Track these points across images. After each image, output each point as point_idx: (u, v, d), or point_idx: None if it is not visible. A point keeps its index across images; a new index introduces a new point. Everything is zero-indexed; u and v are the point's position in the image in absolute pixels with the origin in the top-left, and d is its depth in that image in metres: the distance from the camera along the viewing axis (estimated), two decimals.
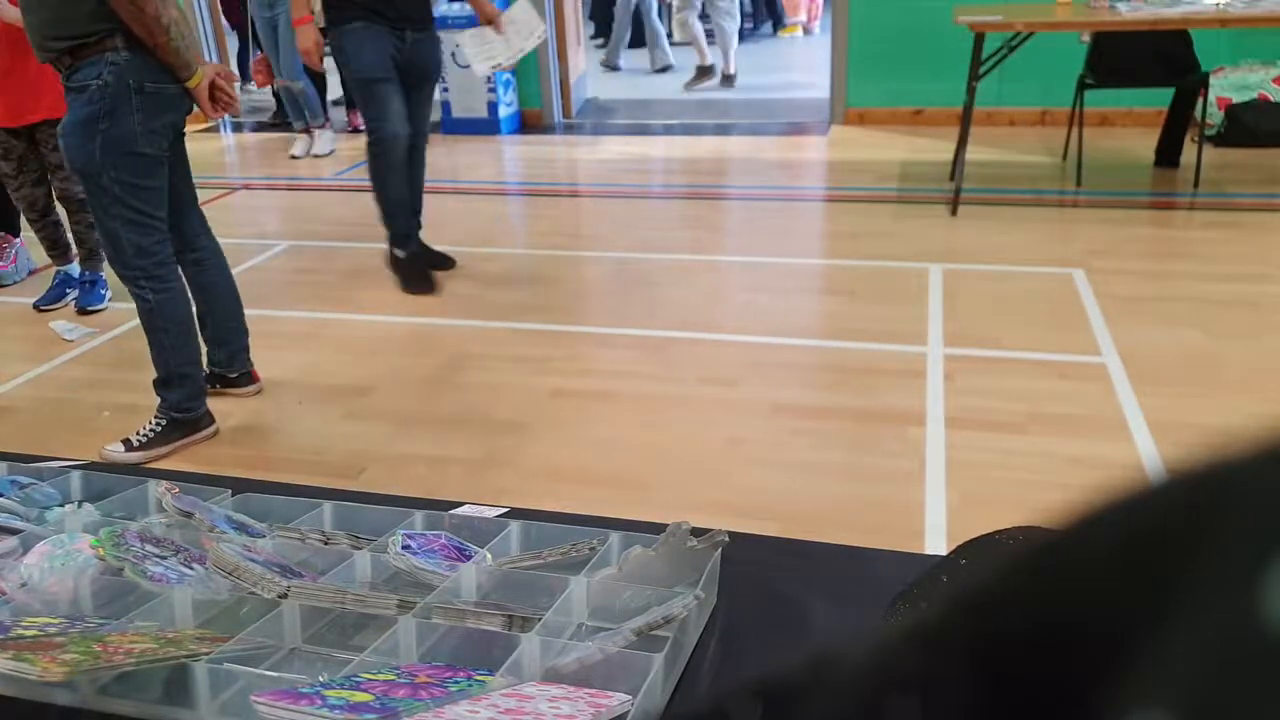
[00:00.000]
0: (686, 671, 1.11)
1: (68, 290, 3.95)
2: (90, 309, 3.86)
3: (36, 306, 3.91)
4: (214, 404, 3.01)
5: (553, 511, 1.41)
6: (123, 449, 2.72)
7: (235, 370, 3.05)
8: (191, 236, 2.86)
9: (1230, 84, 5.43)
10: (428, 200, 4.13)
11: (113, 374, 3.35)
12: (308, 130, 6.28)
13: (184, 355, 2.75)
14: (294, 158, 6.24)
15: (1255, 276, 3.64)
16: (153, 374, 2.78)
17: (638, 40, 10.61)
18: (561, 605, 1.15)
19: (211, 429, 2.85)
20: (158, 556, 1.23)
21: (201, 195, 2.97)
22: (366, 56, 3.64)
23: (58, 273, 3.99)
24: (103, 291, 3.90)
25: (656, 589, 1.16)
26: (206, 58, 3.94)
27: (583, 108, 7.27)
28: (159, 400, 2.78)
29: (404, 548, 1.25)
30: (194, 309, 2.82)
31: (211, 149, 6.65)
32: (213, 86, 2.63)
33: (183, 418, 2.77)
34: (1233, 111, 5.34)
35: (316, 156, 6.22)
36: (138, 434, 2.75)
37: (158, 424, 2.77)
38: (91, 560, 1.22)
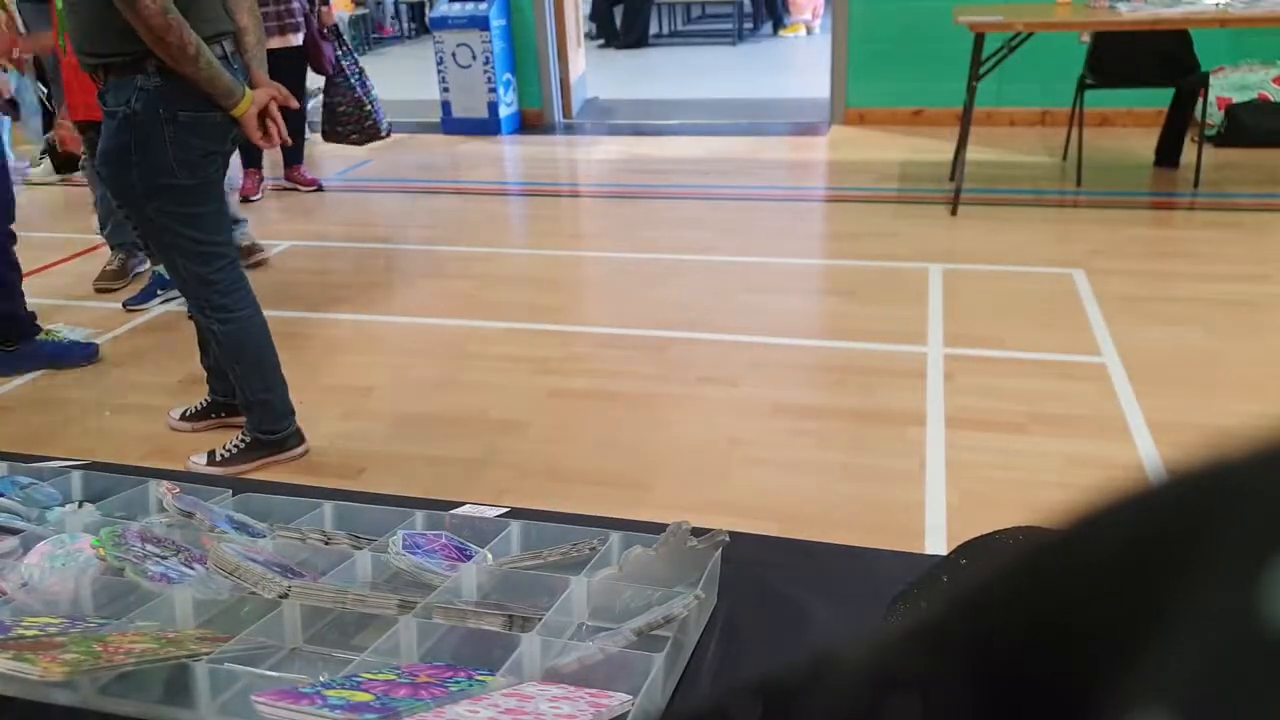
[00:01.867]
0: (687, 671, 1.11)
1: (159, 290, 3.86)
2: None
3: (126, 305, 3.85)
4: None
5: (553, 511, 1.41)
6: (204, 461, 2.67)
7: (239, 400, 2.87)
8: None
9: (1230, 84, 5.43)
10: (428, 200, 4.13)
11: (113, 374, 3.35)
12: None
13: (257, 384, 2.63)
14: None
15: (1255, 276, 3.64)
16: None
17: (638, 40, 10.62)
18: (562, 605, 1.15)
19: (300, 449, 2.72)
20: (158, 556, 1.23)
21: None
22: None
23: (154, 272, 3.90)
24: None
25: (657, 589, 1.16)
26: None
27: (583, 108, 7.28)
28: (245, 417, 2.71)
29: (404, 547, 1.25)
30: (268, 332, 2.64)
31: None
32: (265, 114, 2.38)
33: (266, 439, 2.68)
34: (1233, 111, 5.34)
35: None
36: (224, 448, 2.68)
37: (241, 441, 2.69)
38: (92, 560, 1.22)
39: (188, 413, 2.92)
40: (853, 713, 0.26)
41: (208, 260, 2.44)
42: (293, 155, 5.40)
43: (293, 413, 2.72)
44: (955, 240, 4.20)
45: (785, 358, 3.22)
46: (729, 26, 10.98)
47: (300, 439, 2.74)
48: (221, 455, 2.68)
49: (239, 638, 1.11)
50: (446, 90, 6.57)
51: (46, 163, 6.03)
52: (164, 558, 1.24)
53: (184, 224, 2.38)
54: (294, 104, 2.49)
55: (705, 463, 2.61)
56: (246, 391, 2.63)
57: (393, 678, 1.01)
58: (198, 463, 2.67)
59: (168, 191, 2.33)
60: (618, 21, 10.59)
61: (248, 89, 2.34)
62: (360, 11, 11.26)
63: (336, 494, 1.46)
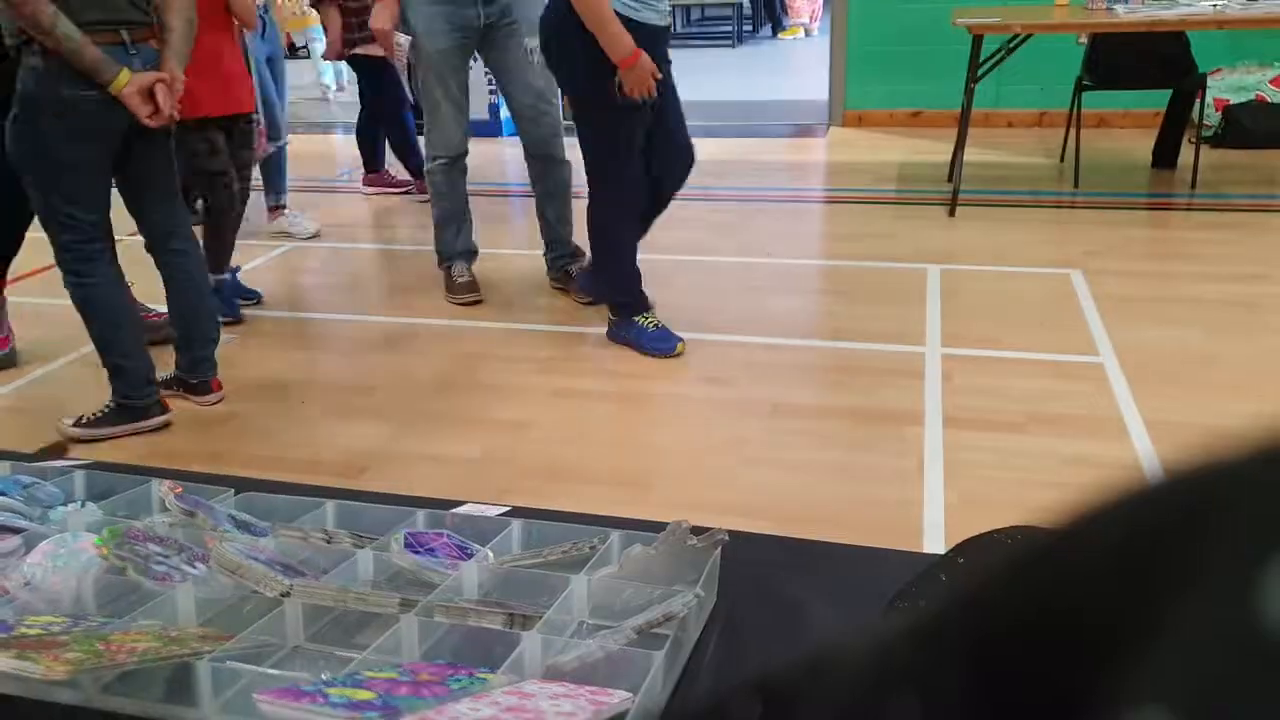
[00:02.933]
0: (686, 669, 1.12)
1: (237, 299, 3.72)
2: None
3: None
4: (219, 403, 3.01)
5: (554, 510, 1.42)
6: (70, 423, 2.81)
7: (195, 377, 3.01)
8: (161, 237, 2.86)
9: (1227, 85, 5.43)
10: (428, 200, 4.13)
11: None
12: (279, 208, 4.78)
13: (114, 348, 2.79)
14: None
15: (1252, 277, 3.65)
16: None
17: None
18: (562, 603, 1.16)
19: (159, 419, 2.85)
20: (161, 555, 1.23)
21: None
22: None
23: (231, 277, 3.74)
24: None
25: (657, 587, 1.16)
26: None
27: None
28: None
29: (406, 546, 1.25)
30: (123, 304, 2.85)
31: None
32: (151, 93, 2.55)
33: (127, 404, 2.81)
34: (1230, 113, 5.35)
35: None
36: (92, 412, 2.83)
37: (106, 407, 2.83)
38: (95, 559, 1.22)
39: (161, 379, 3.01)
40: (852, 711, 0.26)
41: (73, 230, 2.66)
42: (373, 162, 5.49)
43: (153, 382, 2.87)
44: (953, 241, 4.21)
45: (785, 358, 3.22)
46: (728, 29, 10.97)
47: (162, 408, 2.88)
48: (88, 419, 2.82)
49: (241, 636, 1.11)
50: None
51: None
52: (166, 557, 1.24)
53: (57, 197, 2.60)
54: (176, 88, 2.62)
55: (705, 463, 2.61)
56: (106, 355, 2.81)
57: (394, 676, 1.01)
58: (65, 424, 2.81)
59: (45, 167, 2.57)
60: None
61: (126, 69, 2.52)
62: None
63: (338, 493, 1.47)
